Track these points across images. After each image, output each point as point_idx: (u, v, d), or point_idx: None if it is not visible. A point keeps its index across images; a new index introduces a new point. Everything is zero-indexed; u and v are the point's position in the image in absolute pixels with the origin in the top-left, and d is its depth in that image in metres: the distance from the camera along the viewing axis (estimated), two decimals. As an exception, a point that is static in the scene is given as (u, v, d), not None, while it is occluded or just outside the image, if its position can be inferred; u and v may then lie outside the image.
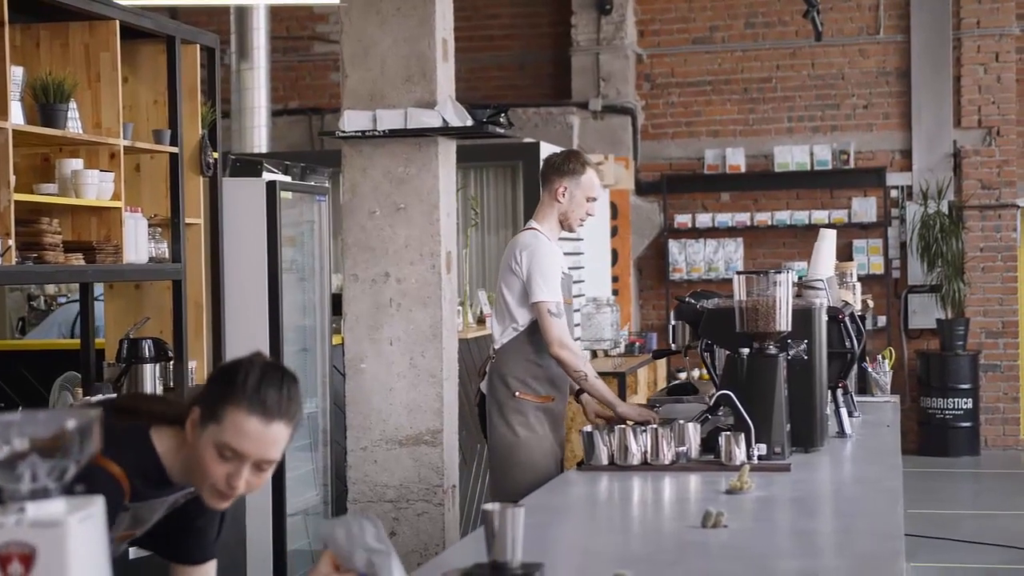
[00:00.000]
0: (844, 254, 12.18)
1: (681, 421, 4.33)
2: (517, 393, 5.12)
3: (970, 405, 12.06)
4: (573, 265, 10.14)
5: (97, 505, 1.78)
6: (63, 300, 8.79)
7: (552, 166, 5.27)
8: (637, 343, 11.00)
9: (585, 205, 5.23)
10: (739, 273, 4.42)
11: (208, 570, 2.89)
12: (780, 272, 4.37)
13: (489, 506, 2.73)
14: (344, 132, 5.72)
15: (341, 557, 2.49)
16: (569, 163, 5.24)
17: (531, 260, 5.07)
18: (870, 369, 6.38)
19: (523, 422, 5.11)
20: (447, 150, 5.87)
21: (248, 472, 2.54)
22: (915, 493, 10.06)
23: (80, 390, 5.40)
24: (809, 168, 12.53)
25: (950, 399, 12.05)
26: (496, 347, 5.23)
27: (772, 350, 4.35)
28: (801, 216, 12.48)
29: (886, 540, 3.09)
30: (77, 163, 4.96)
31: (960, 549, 8.46)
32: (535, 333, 5.11)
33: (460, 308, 8.22)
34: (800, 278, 5.31)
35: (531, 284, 5.05)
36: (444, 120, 5.67)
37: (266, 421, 2.51)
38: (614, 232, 12.31)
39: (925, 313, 12.39)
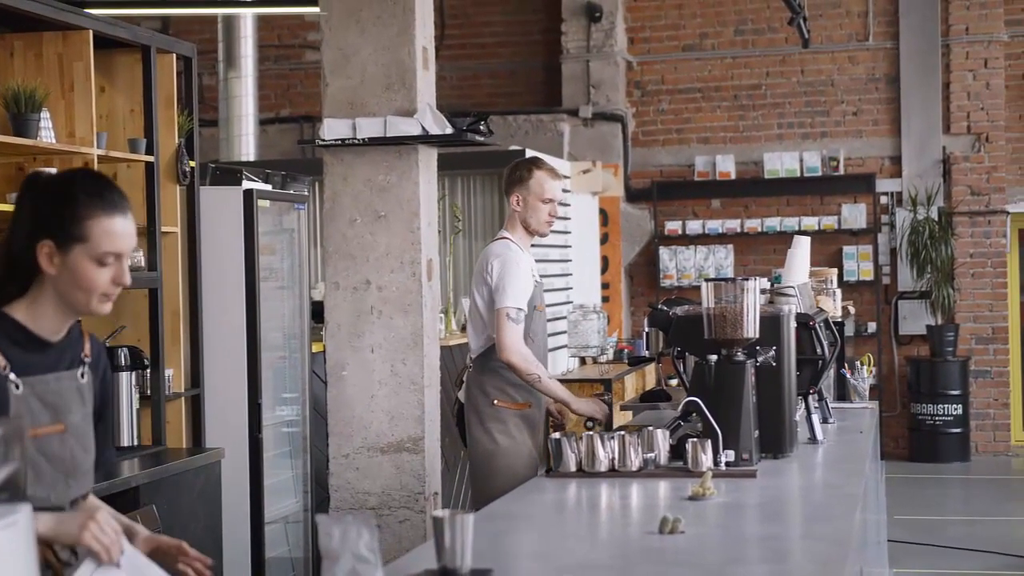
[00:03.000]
0: (834, 260, 12.21)
1: (650, 428, 4.35)
2: (496, 401, 5.21)
3: (960, 411, 12.08)
4: (561, 272, 10.18)
5: (22, 513, 1.80)
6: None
7: (505, 177, 5.41)
8: (626, 350, 11.01)
9: (543, 208, 5.31)
10: (707, 280, 4.43)
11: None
12: (748, 279, 4.38)
13: (438, 513, 2.75)
14: (324, 140, 5.75)
15: (327, 555, 2.51)
16: (516, 171, 5.37)
17: (502, 268, 5.18)
18: (848, 376, 6.39)
19: (502, 430, 5.17)
20: (428, 158, 5.89)
21: (125, 267, 2.71)
22: (904, 499, 10.08)
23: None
24: (799, 175, 12.55)
25: (940, 405, 12.05)
26: (473, 356, 5.32)
27: (740, 357, 4.36)
28: (791, 223, 12.50)
29: (836, 545, 3.10)
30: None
31: (947, 555, 8.47)
32: None
33: (443, 315, 8.24)
34: (773, 284, 5.32)
35: (497, 291, 5.17)
36: (423, 128, 5.69)
37: (121, 215, 2.70)
38: (604, 239, 12.34)
39: (915, 319, 12.40)
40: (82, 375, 2.77)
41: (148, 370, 5.54)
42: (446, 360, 6.55)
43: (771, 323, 4.49)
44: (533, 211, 5.30)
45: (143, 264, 5.54)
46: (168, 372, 5.70)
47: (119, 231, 2.68)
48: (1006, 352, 12.45)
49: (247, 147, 10.55)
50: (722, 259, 12.70)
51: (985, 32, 12.36)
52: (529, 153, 9.92)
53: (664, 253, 12.77)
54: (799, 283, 5.32)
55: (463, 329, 8.08)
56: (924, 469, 11.81)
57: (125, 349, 5.39)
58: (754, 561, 3.09)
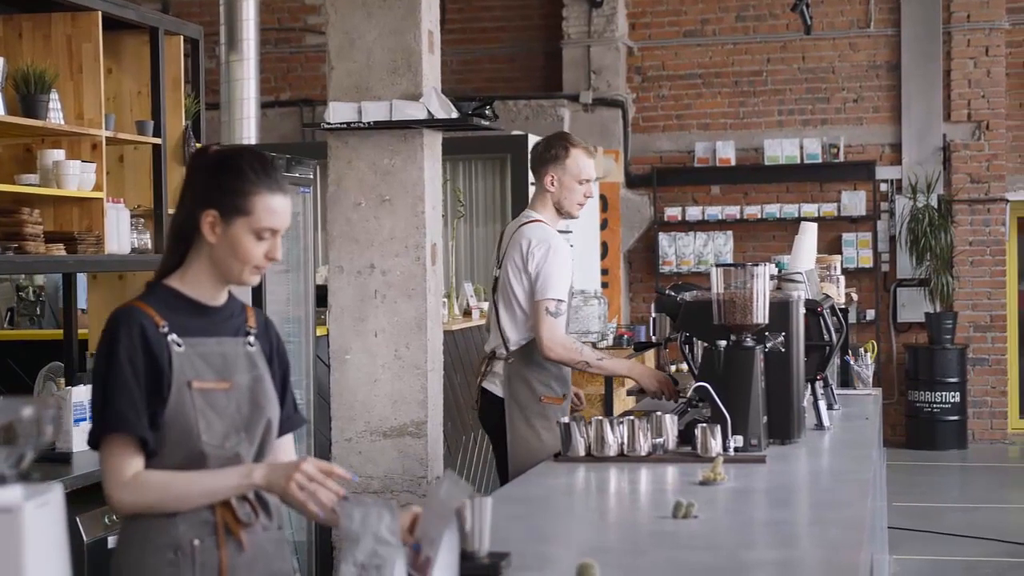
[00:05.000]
0: (833, 247, 12.22)
1: (658, 413, 4.36)
2: (543, 398, 5.02)
3: (958, 399, 12.10)
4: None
5: (54, 493, 1.80)
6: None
7: (536, 155, 5.17)
8: (626, 336, 11.03)
9: (578, 189, 5.10)
10: (717, 266, 4.43)
11: (286, 443, 3.04)
12: (758, 265, 4.38)
13: (457, 496, 2.75)
14: (330, 124, 5.74)
15: (348, 537, 2.53)
16: (551, 149, 5.12)
17: (545, 257, 4.95)
18: (852, 362, 6.40)
19: (546, 426, 4.99)
20: (432, 142, 5.89)
21: (279, 243, 2.84)
22: (902, 486, 10.10)
23: (63, 380, 5.41)
24: (799, 161, 12.56)
25: (938, 392, 12.08)
26: (511, 347, 5.07)
27: (749, 342, 4.36)
28: (791, 209, 12.51)
29: (851, 530, 3.11)
30: (59, 154, 4.97)
31: (945, 542, 8.50)
32: None
33: (446, 300, 8.23)
34: (780, 271, 5.32)
35: (538, 281, 4.93)
36: (429, 112, 5.68)
37: (284, 195, 2.84)
38: (604, 225, 12.33)
39: (914, 307, 12.42)
40: (249, 344, 2.90)
41: (154, 353, 5.52)
42: (448, 345, 6.54)
43: (780, 309, 4.49)
44: (568, 192, 5.09)
45: (150, 247, 5.54)
46: (174, 354, 5.69)
47: (279, 209, 2.81)
48: (1004, 340, 12.47)
49: (248, 130, 10.47)
50: (721, 245, 12.71)
51: (986, 19, 12.36)
52: (532, 138, 9.91)
53: (663, 239, 12.78)
54: (806, 269, 5.32)
55: (466, 314, 8.08)
56: (922, 456, 11.84)
57: (131, 332, 5.37)
58: (769, 546, 3.10)
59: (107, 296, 5.74)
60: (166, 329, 2.77)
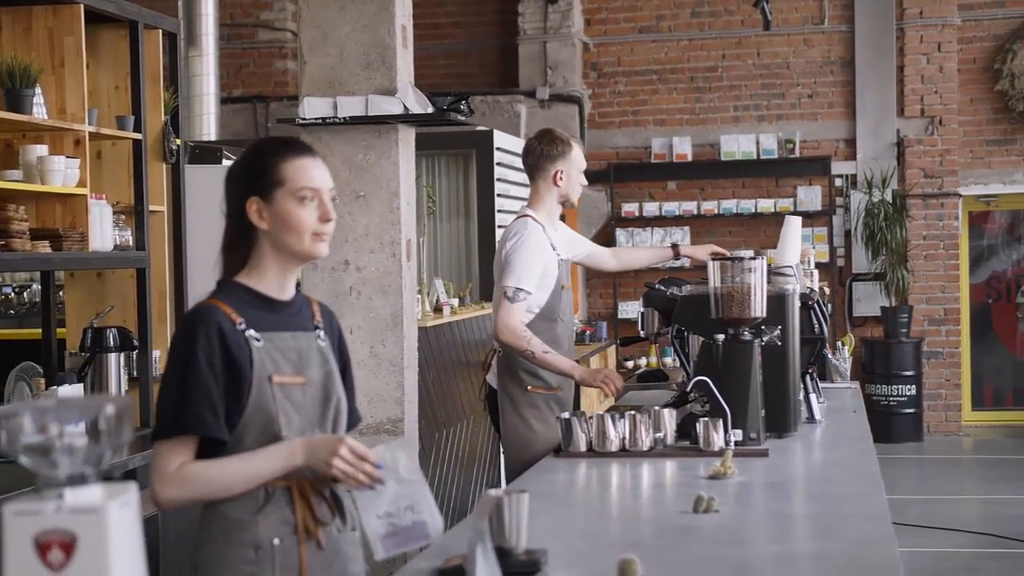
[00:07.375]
0: (790, 242, 12.27)
1: (657, 407, 4.35)
2: (529, 387, 5.06)
3: (913, 391, 12.21)
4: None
5: (132, 492, 1.76)
6: (7, 290, 8.67)
7: (539, 154, 5.19)
8: (587, 332, 11.05)
9: (579, 178, 5.24)
10: (714, 259, 4.43)
11: None
12: (755, 258, 4.39)
13: (494, 492, 2.73)
14: (304, 119, 5.69)
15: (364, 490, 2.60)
16: (556, 146, 5.17)
17: (515, 246, 5.01)
18: (830, 356, 6.43)
19: (537, 415, 5.03)
20: (407, 137, 5.86)
21: (328, 203, 2.82)
22: (862, 479, 10.17)
23: (42, 380, 5.31)
24: (755, 157, 12.60)
25: (894, 386, 12.19)
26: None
27: (747, 336, 4.37)
28: (747, 205, 12.56)
29: (877, 523, 3.12)
30: (42, 149, 4.88)
31: (907, 533, 8.56)
32: (541, 324, 5.02)
33: (419, 297, 8.19)
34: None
35: (505, 268, 4.99)
36: (405, 107, 5.65)
37: (311, 156, 2.85)
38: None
39: (869, 301, 12.52)
40: (320, 338, 2.89)
41: (136, 351, 5.45)
42: (422, 341, 6.52)
43: (776, 302, 4.51)
44: (574, 184, 5.20)
45: (131, 243, 5.45)
46: (156, 353, 5.62)
47: (311, 169, 2.81)
48: (958, 333, 12.60)
49: (208, 126, 10.39)
50: (679, 241, 12.73)
51: (938, 16, 12.48)
52: (497, 134, 9.90)
53: (621, 235, 12.79)
54: (792, 263, 5.33)
55: (437, 310, 8.04)
56: (878, 449, 11.72)
57: (113, 330, 5.31)
58: (800, 539, 3.10)
59: (85, 294, 5.65)
60: (243, 325, 2.77)
